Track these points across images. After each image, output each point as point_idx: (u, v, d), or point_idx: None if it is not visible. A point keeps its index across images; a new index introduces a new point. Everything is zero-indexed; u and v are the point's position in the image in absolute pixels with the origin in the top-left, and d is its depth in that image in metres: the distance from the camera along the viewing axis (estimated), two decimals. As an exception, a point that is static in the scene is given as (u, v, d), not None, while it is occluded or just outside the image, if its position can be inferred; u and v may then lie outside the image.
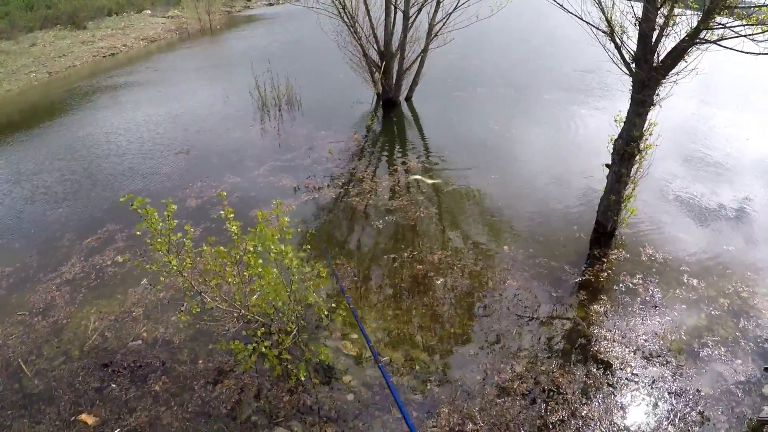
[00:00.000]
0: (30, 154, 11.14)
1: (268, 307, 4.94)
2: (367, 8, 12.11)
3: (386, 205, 8.63)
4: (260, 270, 4.51)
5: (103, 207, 8.56)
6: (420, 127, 13.01)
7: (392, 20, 12.53)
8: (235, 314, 5.51)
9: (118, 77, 17.48)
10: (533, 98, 13.94)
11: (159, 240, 4.51)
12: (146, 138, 11.44)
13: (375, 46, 12.77)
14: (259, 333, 4.78)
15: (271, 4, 38.20)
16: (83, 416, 4.96)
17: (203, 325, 5.85)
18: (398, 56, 12.96)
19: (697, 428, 4.81)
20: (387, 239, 7.74)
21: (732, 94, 15.01)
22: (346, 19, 12.24)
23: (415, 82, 13.75)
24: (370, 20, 12.31)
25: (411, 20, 12.46)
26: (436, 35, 12.72)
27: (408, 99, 13.97)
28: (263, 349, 4.57)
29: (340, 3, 11.93)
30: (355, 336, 5.73)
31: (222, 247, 4.63)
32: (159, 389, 5.13)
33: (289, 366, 5.10)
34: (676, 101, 11.99)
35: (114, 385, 5.24)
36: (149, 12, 29.74)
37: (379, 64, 12.91)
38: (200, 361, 5.41)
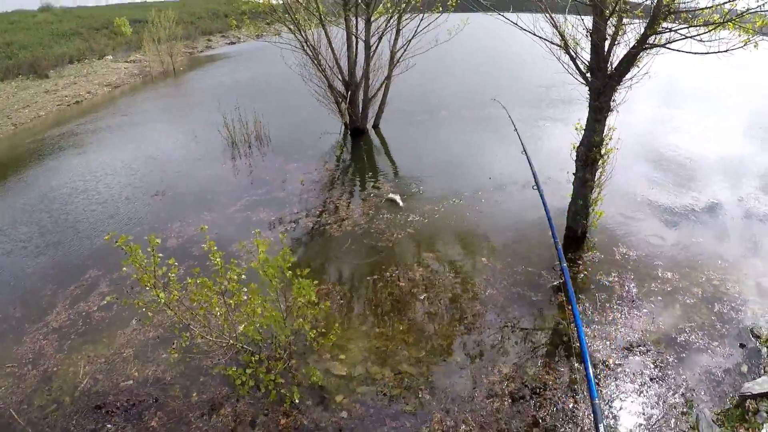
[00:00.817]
0: (4, 207, 11.06)
1: (256, 333, 5.07)
2: (329, 40, 12.46)
3: (363, 230, 8.86)
4: (250, 299, 4.67)
5: (83, 254, 8.53)
6: (388, 152, 13.41)
7: (354, 50, 12.92)
8: (224, 344, 5.60)
9: (86, 125, 17.43)
10: (496, 116, 14.43)
11: (144, 276, 4.62)
12: (124, 183, 11.44)
13: (339, 77, 13.11)
14: (254, 359, 4.91)
15: (232, 43, 38.66)
16: None
17: (193, 359, 5.92)
18: (363, 85, 13.35)
19: (680, 410, 5.09)
20: (368, 262, 7.94)
21: (693, 97, 15.85)
22: (309, 52, 12.57)
23: (380, 110, 14.16)
24: (333, 51, 12.66)
25: (373, 49, 12.89)
26: (398, 62, 13.17)
27: (375, 126, 14.35)
28: (260, 375, 4.70)
29: (303, 36, 12.23)
30: (343, 356, 5.89)
31: (206, 279, 4.78)
32: (155, 425, 5.17)
33: (282, 390, 5.22)
34: (639, 107, 12.66)
35: (109, 426, 5.24)
36: (111, 57, 29.82)
37: (345, 94, 13.23)
38: (194, 394, 5.48)
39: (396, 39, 12.95)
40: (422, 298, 6.94)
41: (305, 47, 12.48)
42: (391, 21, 12.74)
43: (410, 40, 12.85)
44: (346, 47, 12.87)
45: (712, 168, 10.97)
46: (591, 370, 1.19)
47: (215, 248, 4.88)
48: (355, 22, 12.51)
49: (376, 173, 11.61)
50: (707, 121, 14.47)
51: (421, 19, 12.71)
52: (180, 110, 18.59)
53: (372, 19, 12.50)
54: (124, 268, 4.99)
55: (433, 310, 6.69)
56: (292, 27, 12.23)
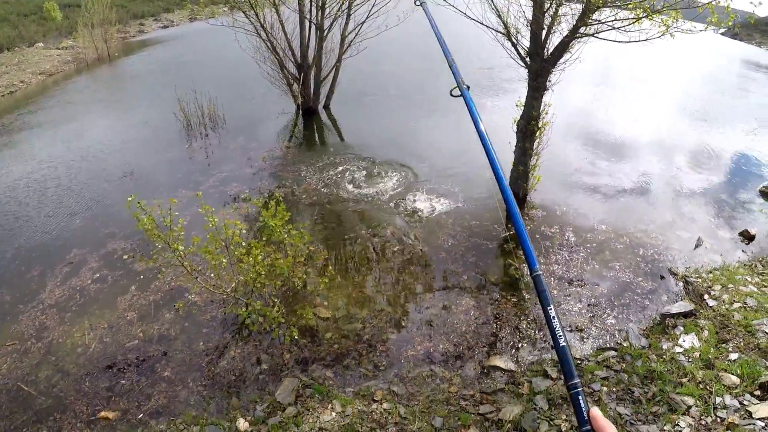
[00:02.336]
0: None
1: (259, 280, 5.74)
2: (282, 24, 12.91)
3: (332, 196, 9.70)
4: (254, 249, 5.41)
5: (63, 235, 8.70)
6: (339, 130, 14.15)
7: (307, 34, 13.44)
8: (220, 297, 6.27)
9: (26, 116, 17.01)
10: (443, 95, 15.42)
11: (159, 234, 5.23)
12: (88, 168, 11.43)
13: (292, 59, 13.60)
14: (258, 304, 5.66)
15: (165, 27, 37.55)
16: (102, 413, 5.30)
17: (192, 316, 6.57)
18: (315, 67, 13.92)
19: (614, 327, 6.30)
20: (344, 222, 8.83)
21: (624, 80, 17.50)
22: (262, 35, 12.95)
23: (331, 91, 14.80)
24: (286, 35, 13.12)
25: (325, 33, 13.44)
26: (349, 46, 13.80)
27: (326, 107, 14.98)
28: (266, 313, 5.48)
29: (259, 19, 12.59)
30: (326, 303, 6.72)
31: (213, 233, 5.48)
32: (169, 374, 5.79)
33: (280, 331, 6.00)
34: (576, 87, 14.01)
35: (123, 381, 5.73)
36: (42, 45, 28.69)
37: (298, 76, 13.77)
38: (200, 344, 6.16)
39: (347, 23, 13.55)
40: (396, 249, 7.92)
41: (258, 30, 12.84)
42: (343, 6, 13.29)
43: (361, 24, 13.49)
44: (299, 30, 13.36)
45: (639, 142, 12.58)
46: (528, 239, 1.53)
47: (213, 210, 5.56)
48: (309, 6, 13.00)
49: (330, 149, 12.44)
50: (637, 102, 16.14)
51: (372, 5, 13.35)
52: (125, 96, 18.37)
53: (326, 4, 13.02)
54: (113, 246, 5.49)
55: (404, 261, 7.65)
56: (246, 10, 12.52)
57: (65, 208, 9.64)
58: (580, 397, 1.33)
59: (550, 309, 1.54)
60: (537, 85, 8.22)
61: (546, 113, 8.65)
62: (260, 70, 13.86)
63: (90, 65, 25.39)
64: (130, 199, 5.18)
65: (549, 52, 7.97)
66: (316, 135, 13.67)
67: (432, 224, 8.69)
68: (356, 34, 13.75)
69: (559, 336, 1.47)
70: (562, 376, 1.42)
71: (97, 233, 8.52)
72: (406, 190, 9.86)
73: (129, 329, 6.52)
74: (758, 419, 4.69)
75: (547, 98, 8.46)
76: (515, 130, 8.75)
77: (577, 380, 1.38)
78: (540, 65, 8.03)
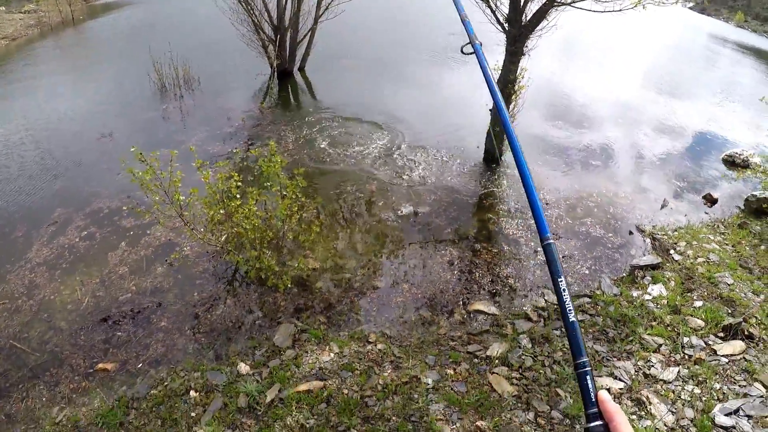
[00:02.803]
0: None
1: (252, 231, 5.90)
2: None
3: (313, 153, 9.89)
4: (250, 198, 5.60)
5: (45, 196, 8.60)
6: (314, 92, 14.24)
7: (284, -5, 13.34)
8: (217, 247, 6.44)
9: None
10: (420, 59, 15.65)
11: (159, 185, 5.35)
12: (65, 129, 11.25)
13: (268, 21, 13.53)
14: (253, 253, 5.86)
15: (131, -10, 36.49)
16: (101, 365, 5.36)
17: (185, 269, 6.72)
18: (291, 30, 13.89)
19: (588, 278, 6.76)
20: (327, 179, 9.05)
21: (593, 50, 17.94)
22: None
23: (307, 53, 14.81)
24: (262, -3, 13.03)
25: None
26: (326, 9, 13.78)
27: (302, 69, 15.00)
28: (263, 261, 5.69)
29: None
30: (313, 255, 6.94)
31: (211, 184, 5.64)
32: (166, 324, 5.95)
33: (274, 279, 6.19)
34: (550, 54, 14.33)
35: (120, 333, 5.80)
36: (3, 8, 27.60)
37: (274, 38, 13.72)
38: (194, 294, 6.32)
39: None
40: (381, 204, 8.23)
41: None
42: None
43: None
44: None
45: (608, 110, 13.12)
46: (540, 207, 1.58)
47: (207, 163, 5.71)
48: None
49: (308, 109, 12.57)
50: (607, 71, 16.65)
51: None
52: (95, 60, 17.86)
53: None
54: (98, 205, 5.57)
55: (388, 216, 7.96)
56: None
57: (46, 169, 9.49)
58: (588, 377, 1.25)
59: (561, 280, 1.43)
60: (514, 50, 8.49)
61: (522, 77, 8.93)
62: (235, 33, 13.73)
63: (54, 29, 24.53)
64: (132, 149, 5.24)
65: (527, 18, 8.23)
66: (292, 96, 13.78)
67: (414, 180, 8.99)
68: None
69: (569, 311, 1.37)
70: (570, 354, 1.32)
71: (80, 193, 8.49)
72: (386, 150, 10.10)
73: (121, 283, 6.58)
74: (722, 356, 5.23)
75: (523, 63, 8.73)
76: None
77: (586, 359, 1.29)
78: (518, 31, 8.29)
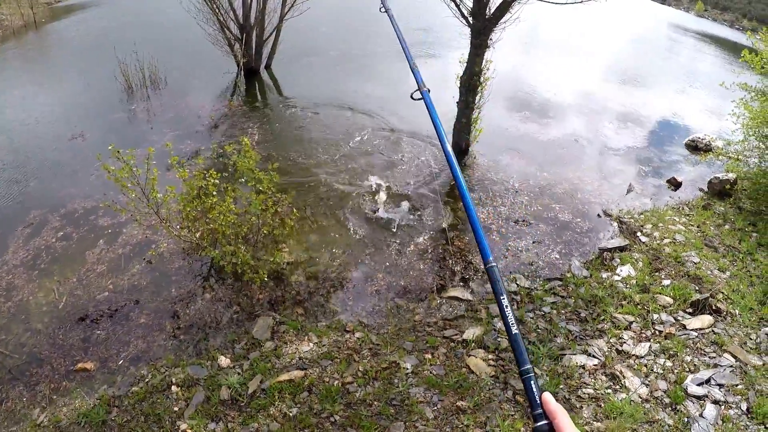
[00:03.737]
0: None
1: (227, 227, 5.96)
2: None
3: (286, 147, 10.03)
4: (227, 195, 5.66)
5: (18, 199, 8.43)
6: (281, 88, 14.28)
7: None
8: (192, 244, 6.48)
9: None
10: (381, 55, 15.79)
11: (135, 182, 5.38)
12: (33, 131, 10.97)
13: (234, 20, 13.50)
14: (228, 249, 5.91)
15: (93, -11, 35.75)
16: (80, 365, 5.33)
17: (161, 266, 6.73)
18: (257, 28, 13.88)
19: (558, 261, 6.97)
20: (298, 171, 9.14)
21: (556, 42, 18.30)
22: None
23: (273, 51, 14.83)
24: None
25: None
26: (291, 7, 13.80)
27: (268, 67, 15.00)
28: (240, 256, 5.76)
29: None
30: (286, 249, 7.02)
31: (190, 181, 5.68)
32: (145, 320, 5.96)
33: (250, 274, 6.23)
34: (510, 51, 14.60)
35: (99, 331, 5.78)
36: (-40, 9, 26.80)
37: (240, 36, 13.69)
38: (172, 290, 6.35)
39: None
40: (355, 194, 8.35)
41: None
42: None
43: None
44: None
45: (573, 100, 13.43)
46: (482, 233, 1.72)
47: (183, 160, 5.75)
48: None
49: (276, 105, 12.74)
50: (570, 62, 17.00)
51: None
52: (60, 62, 17.53)
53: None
54: (73, 206, 5.53)
55: (360, 207, 8.10)
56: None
57: (17, 172, 9.29)
58: (532, 383, 1.37)
59: (503, 298, 1.54)
60: (479, 43, 8.68)
61: (488, 69, 9.13)
62: (201, 32, 13.63)
63: (16, 32, 23.96)
64: (110, 147, 5.25)
65: (491, 11, 8.42)
66: (260, 94, 13.79)
67: (384, 171, 9.14)
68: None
69: (512, 324, 1.49)
70: (515, 362, 1.51)
71: (55, 194, 8.37)
72: (355, 142, 10.26)
73: (99, 281, 6.55)
74: (691, 330, 5.52)
75: (488, 55, 8.93)
76: (458, 85, 9.22)
77: (529, 366, 1.41)
78: (482, 24, 8.48)
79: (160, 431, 4.55)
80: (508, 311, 1.51)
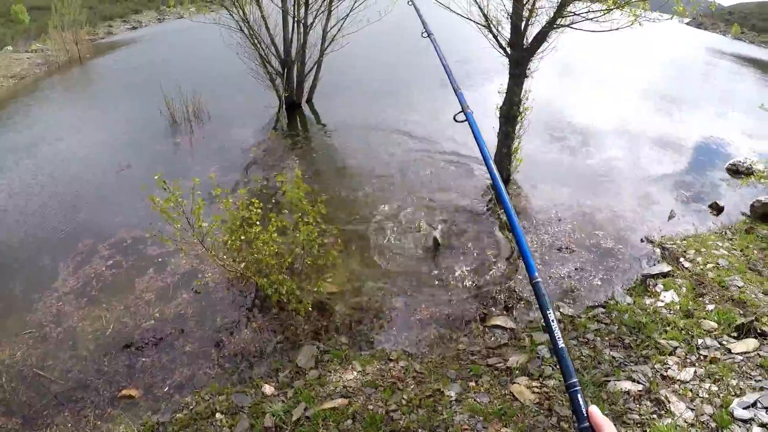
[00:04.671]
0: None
1: (267, 257, 6.08)
2: (264, 20, 13.23)
3: (328, 181, 10.17)
4: (271, 224, 5.77)
5: (69, 228, 8.72)
6: (323, 122, 14.54)
7: (290, 29, 13.71)
8: (237, 274, 6.59)
9: (8, 119, 16.84)
10: (423, 89, 16.00)
11: (180, 212, 5.53)
12: (81, 163, 11.40)
13: (275, 55, 13.89)
14: (277, 278, 5.99)
15: (134, 28, 37.17)
16: (125, 391, 5.40)
17: (207, 296, 6.88)
18: (298, 62, 14.24)
19: (599, 287, 6.88)
20: (345, 205, 9.25)
21: (593, 70, 18.38)
22: (246, 32, 13.20)
23: (314, 85, 15.15)
24: (268, 31, 13.44)
25: (308, 29, 13.75)
26: (331, 41, 14.14)
27: (309, 100, 15.31)
28: (286, 286, 5.84)
29: (241, 17, 12.83)
30: (330, 279, 7.07)
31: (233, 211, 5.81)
32: (189, 349, 6.06)
33: (295, 304, 6.30)
34: (547, 80, 14.70)
35: (144, 359, 5.89)
36: (11, 48, 28.29)
37: (281, 71, 14.05)
38: (217, 319, 6.47)
39: (328, 19, 13.91)
40: (396, 229, 8.40)
41: (242, 26, 13.05)
42: (325, 2, 13.64)
43: (343, 20, 13.86)
44: (282, 25, 13.63)
45: (612, 126, 13.43)
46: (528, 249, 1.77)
47: (227, 192, 5.90)
48: (292, 1, 13.30)
49: (318, 138, 13.02)
50: (608, 89, 17.01)
51: (354, 1, 13.76)
52: (104, 96, 18.23)
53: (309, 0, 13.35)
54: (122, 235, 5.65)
55: (403, 237, 8.15)
56: (228, 6, 12.74)
57: (67, 203, 9.63)
58: (579, 396, 1.37)
59: (550, 312, 1.56)
60: (517, 73, 8.75)
61: (527, 99, 9.17)
62: (243, 67, 14.04)
63: (61, 68, 25.04)
64: (156, 177, 5.42)
65: (528, 42, 8.50)
66: (302, 127, 14.07)
67: (428, 200, 9.25)
68: (338, 30, 14.07)
69: (559, 338, 1.49)
70: (561, 376, 1.48)
71: (103, 224, 8.67)
72: (398, 172, 10.34)
73: (146, 309, 6.70)
74: (736, 354, 5.34)
75: (526, 85, 8.98)
76: (498, 115, 9.26)
77: (575, 380, 1.42)
78: (520, 54, 8.57)
79: (205, 459, 4.59)
80: (554, 325, 1.53)
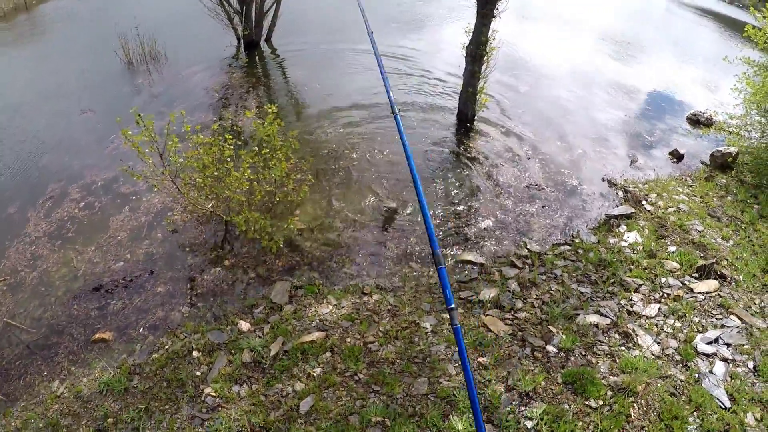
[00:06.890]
0: None
1: (241, 196, 6.01)
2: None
3: (296, 116, 10.20)
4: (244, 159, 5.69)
5: (35, 174, 8.31)
6: (281, 61, 14.08)
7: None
8: (207, 212, 6.55)
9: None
10: (384, 29, 15.63)
11: (153, 148, 5.40)
12: (41, 110, 10.75)
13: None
14: (245, 214, 5.95)
15: (84, -33, 35.02)
16: (98, 335, 5.32)
17: (176, 236, 6.77)
18: (256, 1, 13.73)
19: (566, 226, 7.16)
20: (314, 141, 9.16)
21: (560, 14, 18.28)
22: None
23: (273, 24, 14.65)
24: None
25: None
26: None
27: (267, 39, 14.86)
28: (260, 222, 5.81)
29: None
30: (299, 216, 7.07)
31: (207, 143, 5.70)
32: (162, 289, 5.96)
33: (266, 241, 6.27)
34: (512, 19, 14.46)
35: (114, 301, 5.79)
36: (-52, -10, 26.27)
37: (240, 9, 13.55)
38: (188, 259, 6.39)
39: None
40: (365, 163, 8.42)
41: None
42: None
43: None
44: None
45: (573, 72, 13.51)
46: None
47: (199, 127, 5.77)
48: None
49: (279, 76, 12.89)
50: (569, 34, 17.00)
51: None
52: (58, 41, 17.30)
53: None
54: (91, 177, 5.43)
55: (372, 174, 8.18)
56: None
57: (29, 150, 9.11)
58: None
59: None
60: (486, 12, 8.68)
61: (493, 39, 9.15)
62: (199, 6, 13.35)
63: (8, 14, 23.54)
64: (132, 110, 5.26)
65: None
66: (264, 65, 13.74)
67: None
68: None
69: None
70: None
71: (71, 168, 8.29)
72: (363, 114, 10.19)
73: (117, 250, 6.54)
74: (698, 293, 5.75)
75: (493, 25, 8.96)
76: (464, 54, 9.24)
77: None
78: (489, -8, 8.49)
79: (184, 395, 4.62)
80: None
